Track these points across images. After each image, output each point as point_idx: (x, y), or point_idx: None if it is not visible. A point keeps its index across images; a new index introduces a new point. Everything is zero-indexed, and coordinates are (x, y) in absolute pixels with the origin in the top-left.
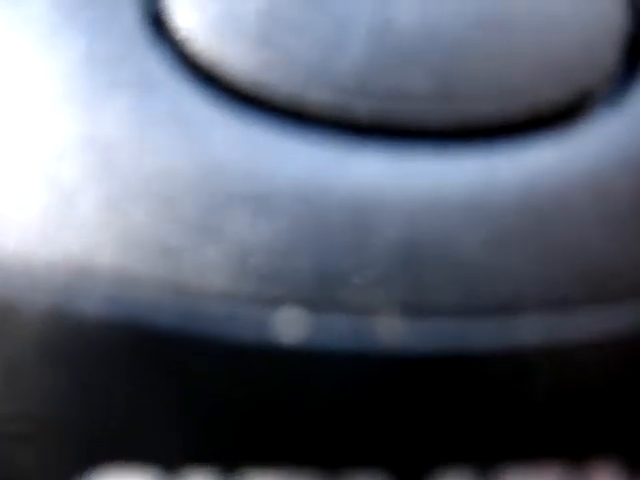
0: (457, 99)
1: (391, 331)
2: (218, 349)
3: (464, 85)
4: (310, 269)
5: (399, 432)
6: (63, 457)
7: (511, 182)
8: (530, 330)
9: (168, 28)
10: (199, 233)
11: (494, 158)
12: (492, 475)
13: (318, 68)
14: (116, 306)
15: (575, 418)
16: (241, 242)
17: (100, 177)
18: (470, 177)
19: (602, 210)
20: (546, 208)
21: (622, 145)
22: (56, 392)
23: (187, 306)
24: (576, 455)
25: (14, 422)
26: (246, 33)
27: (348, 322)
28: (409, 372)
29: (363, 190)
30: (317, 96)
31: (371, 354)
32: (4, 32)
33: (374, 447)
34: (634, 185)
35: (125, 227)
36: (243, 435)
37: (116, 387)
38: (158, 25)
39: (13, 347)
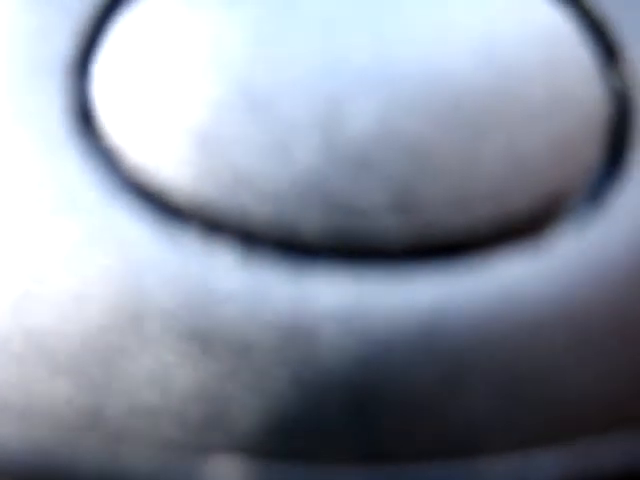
0: (414, 211)
1: None
2: None
3: (422, 195)
4: (252, 415)
5: None
6: None
7: (474, 308)
8: (495, 477)
9: (97, 129)
10: (128, 374)
11: (456, 280)
12: None
13: (261, 180)
14: (41, 455)
15: None
16: (175, 385)
17: (24, 317)
18: (428, 303)
19: (577, 340)
20: (513, 338)
21: (602, 259)
22: None
23: (116, 457)
24: None
25: None
26: (182, 139)
27: (296, 474)
28: None
29: (309, 321)
30: (259, 212)
31: None
32: None
33: None
34: (613, 310)
35: (50, 369)
36: None
37: None
38: (86, 123)
39: None
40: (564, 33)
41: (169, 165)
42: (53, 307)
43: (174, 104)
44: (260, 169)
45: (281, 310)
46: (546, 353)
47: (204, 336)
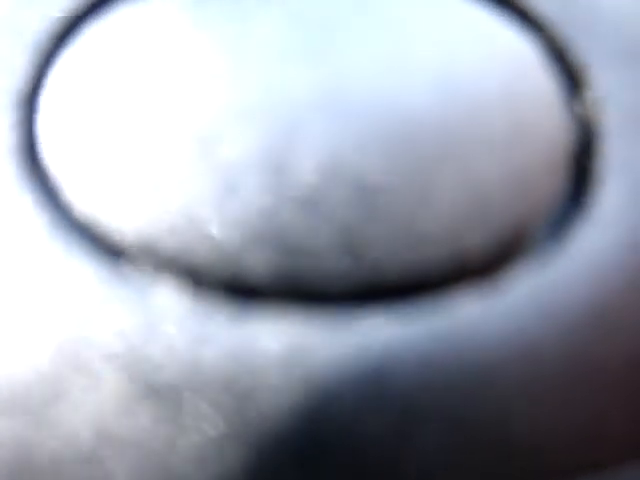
0: (364, 252)
1: None
2: None
3: (372, 234)
4: (191, 463)
5: None
6: None
7: (425, 352)
8: None
9: (42, 167)
10: (68, 418)
11: (407, 323)
12: None
13: (207, 220)
14: None
15: None
16: (114, 430)
17: None
18: (377, 348)
19: (532, 382)
20: (466, 382)
21: (562, 299)
22: None
23: None
24: None
25: None
26: (128, 178)
27: None
28: None
29: (252, 367)
30: (205, 253)
31: None
32: None
33: None
34: (570, 351)
35: None
36: None
37: None
38: (31, 160)
39: None
40: (526, 60)
41: (114, 205)
42: None
43: (120, 142)
44: (207, 209)
45: (224, 355)
46: (501, 396)
47: (145, 381)
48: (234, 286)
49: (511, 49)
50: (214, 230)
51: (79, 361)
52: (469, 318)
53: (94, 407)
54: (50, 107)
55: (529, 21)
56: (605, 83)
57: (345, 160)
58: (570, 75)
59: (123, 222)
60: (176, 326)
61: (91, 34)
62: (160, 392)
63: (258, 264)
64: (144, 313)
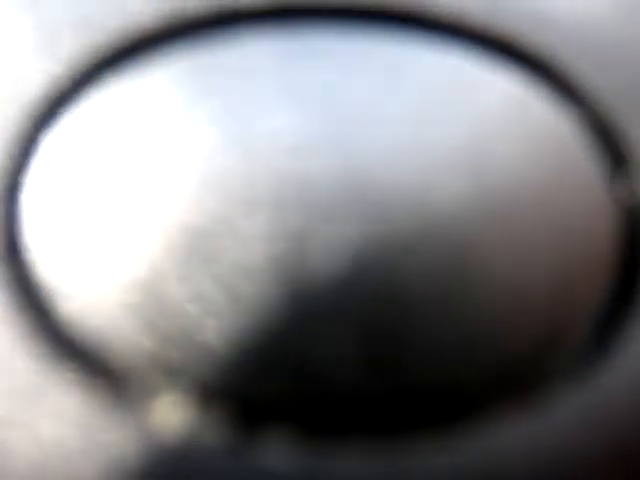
0: (391, 371)
1: None
2: None
3: (399, 351)
4: None
5: None
6: None
7: None
8: None
9: (26, 268)
10: None
11: (443, 454)
12: None
13: (210, 340)
14: None
15: None
16: None
17: None
18: None
19: None
20: None
21: (613, 417)
22: None
23: None
24: None
25: None
26: (121, 285)
27: None
28: None
29: None
30: (207, 375)
31: None
32: None
33: None
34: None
35: None
36: None
37: None
38: (13, 258)
39: None
40: (564, 139)
41: (106, 318)
42: None
43: (112, 242)
44: (211, 326)
45: None
46: None
47: None
48: (241, 411)
49: (547, 127)
50: (218, 350)
51: None
52: (512, 444)
53: None
54: (34, 195)
55: (566, 90)
56: None
57: (367, 268)
58: (614, 153)
59: (114, 338)
60: (171, 458)
61: (76, 117)
62: None
63: (268, 392)
64: (137, 445)
